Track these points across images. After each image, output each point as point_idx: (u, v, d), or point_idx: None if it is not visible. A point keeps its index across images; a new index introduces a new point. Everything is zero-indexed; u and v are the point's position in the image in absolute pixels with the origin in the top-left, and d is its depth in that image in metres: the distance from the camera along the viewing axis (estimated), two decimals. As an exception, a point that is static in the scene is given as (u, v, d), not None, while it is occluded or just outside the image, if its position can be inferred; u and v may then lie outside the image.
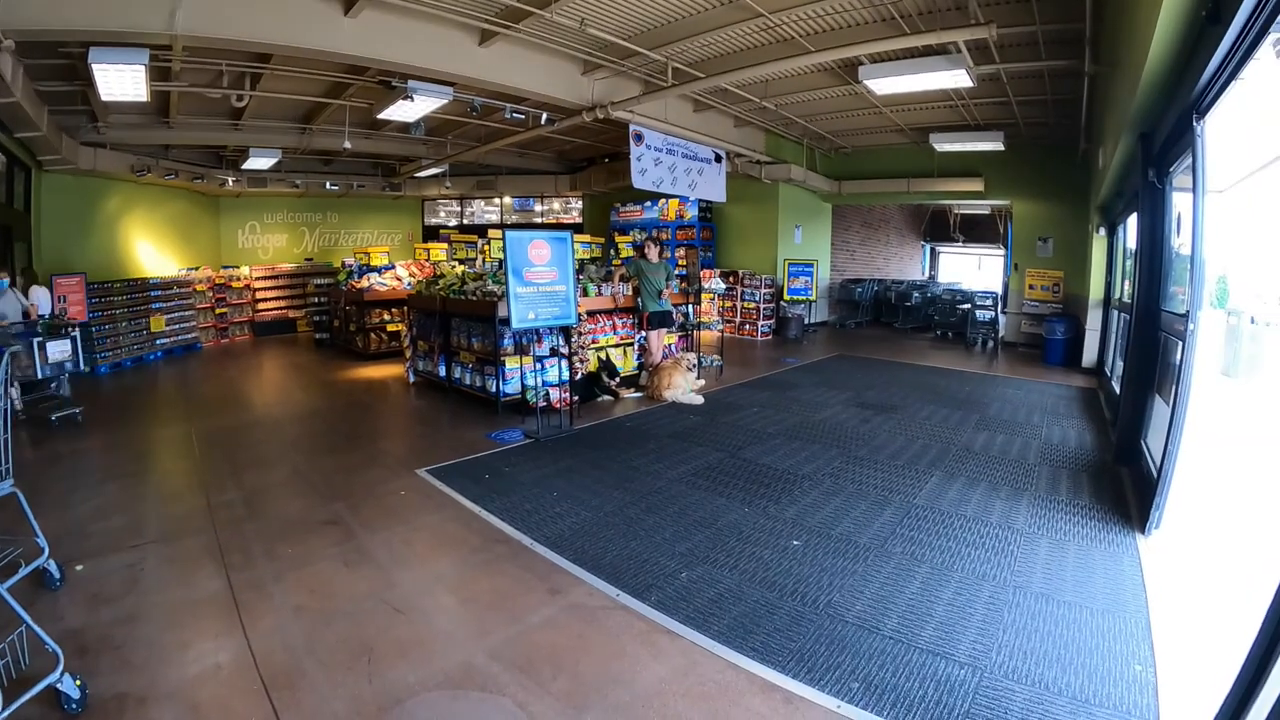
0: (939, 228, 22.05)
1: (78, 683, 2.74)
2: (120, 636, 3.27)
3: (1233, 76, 3.49)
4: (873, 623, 3.42)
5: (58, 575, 3.76)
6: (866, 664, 3.07)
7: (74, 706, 2.71)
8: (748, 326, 15.04)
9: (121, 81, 7.47)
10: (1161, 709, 2.75)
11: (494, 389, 7.83)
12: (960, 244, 21.92)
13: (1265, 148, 5.61)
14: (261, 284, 15.90)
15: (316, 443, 6.78)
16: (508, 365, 7.80)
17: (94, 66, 6.93)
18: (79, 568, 3.98)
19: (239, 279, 15.33)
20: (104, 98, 8.09)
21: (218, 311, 14.66)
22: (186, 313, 13.22)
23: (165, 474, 6.07)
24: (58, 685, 2.68)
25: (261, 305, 15.88)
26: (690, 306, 10.43)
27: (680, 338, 10.24)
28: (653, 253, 9.14)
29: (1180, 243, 5.54)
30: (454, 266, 12.97)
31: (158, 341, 12.23)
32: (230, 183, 14.42)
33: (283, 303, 16.23)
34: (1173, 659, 3.08)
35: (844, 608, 3.57)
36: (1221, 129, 4.30)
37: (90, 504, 5.07)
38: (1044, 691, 2.86)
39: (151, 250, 13.80)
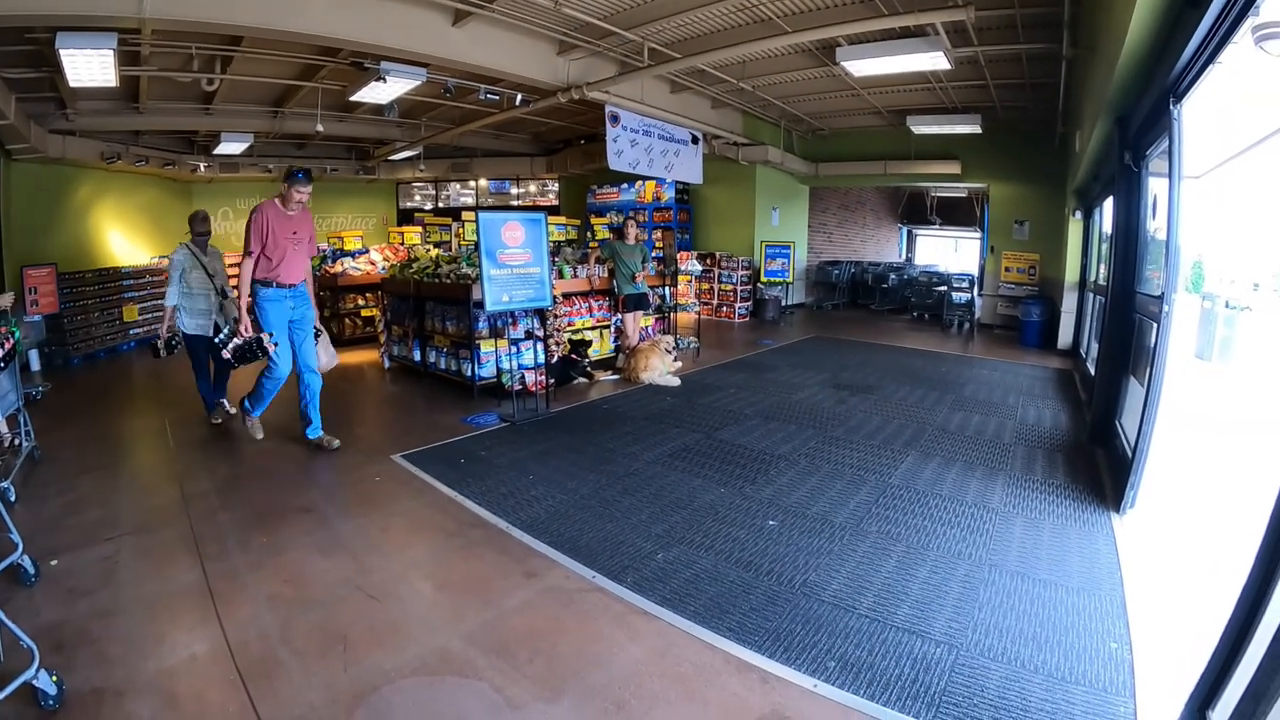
0: (916, 210, 22.10)
1: (54, 678, 2.70)
2: (97, 630, 3.23)
3: (1210, 60, 3.49)
4: (849, 602, 3.44)
5: (32, 570, 3.69)
6: (843, 643, 3.09)
7: (51, 703, 2.66)
8: (725, 308, 15.05)
9: (90, 67, 7.30)
10: (1138, 686, 2.78)
11: (469, 373, 7.78)
12: (937, 226, 22.00)
13: (1240, 134, 5.66)
14: (235, 271, 15.53)
15: (290, 429, 6.71)
16: (483, 349, 7.75)
17: (61, 52, 6.77)
18: (53, 562, 3.91)
19: (212, 266, 15.06)
20: (72, 84, 7.91)
21: (191, 299, 14.41)
22: (160, 301, 13.00)
23: (139, 465, 5.99)
24: (34, 682, 2.63)
25: (235, 292, 15.58)
26: (667, 289, 10.42)
27: (657, 320, 10.24)
28: (631, 234, 9.10)
29: (1156, 227, 5.58)
30: (428, 250, 12.88)
31: (131, 331, 11.98)
32: (202, 168, 14.18)
33: (257, 289, 15.98)
34: (1148, 637, 3.12)
35: (820, 587, 3.59)
36: (1198, 115, 4.33)
37: (64, 497, 4.98)
38: (1020, 669, 2.89)
39: (123, 239, 13.54)
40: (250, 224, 5.67)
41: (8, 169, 10.51)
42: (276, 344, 5.74)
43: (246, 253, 5.78)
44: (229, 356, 5.62)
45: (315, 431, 6.12)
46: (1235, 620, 2.12)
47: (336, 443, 6.05)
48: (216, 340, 5.78)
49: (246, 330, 5.75)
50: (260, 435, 6.33)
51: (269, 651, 3.06)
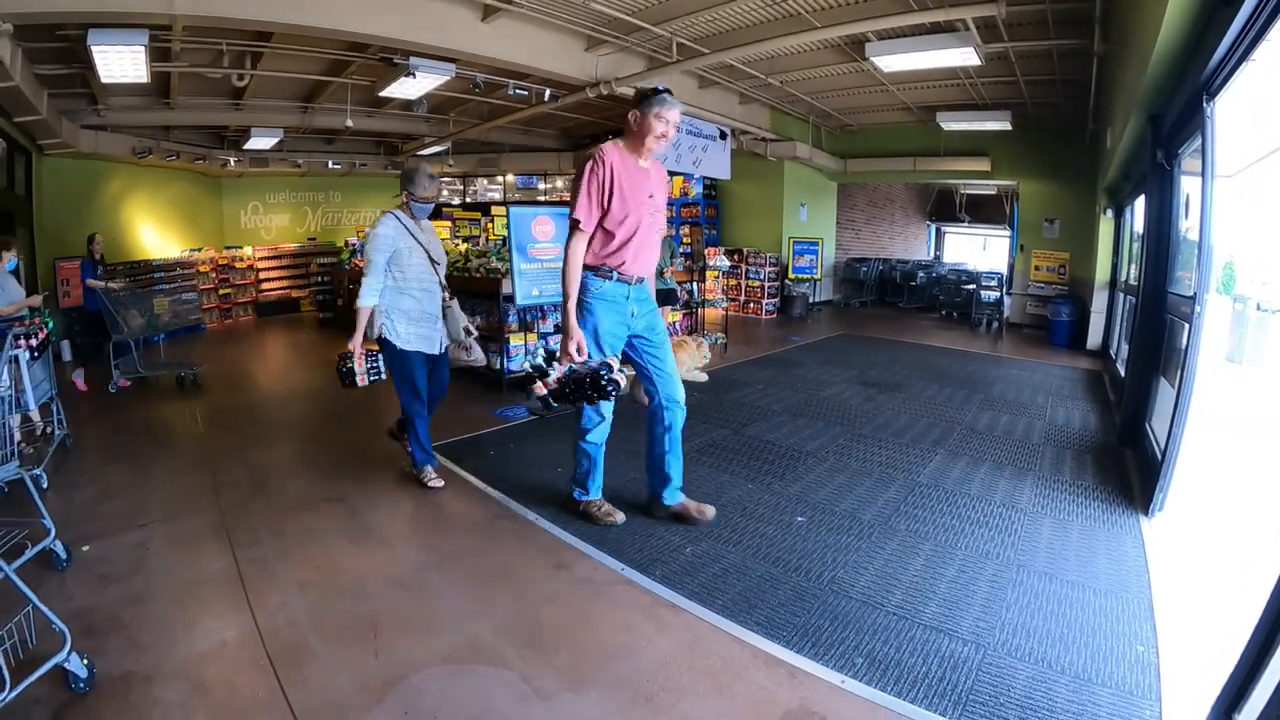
0: (945, 208, 21.89)
1: (85, 662, 2.74)
2: (127, 616, 3.28)
3: (1244, 58, 3.45)
4: (877, 599, 3.43)
5: (64, 556, 3.76)
6: (870, 640, 3.08)
7: (81, 685, 2.71)
8: (752, 305, 15.02)
9: (121, 63, 7.42)
10: (1164, 689, 2.75)
11: (498, 366, 7.82)
12: (966, 224, 21.78)
13: (1275, 132, 5.57)
14: (264, 264, 15.85)
15: (321, 420, 6.78)
16: (512, 342, 7.78)
17: (93, 48, 6.88)
18: (85, 548, 3.98)
19: (242, 259, 15.28)
20: (104, 80, 8.05)
21: (221, 292, 14.64)
22: (189, 294, 13.19)
23: (171, 454, 6.06)
24: (65, 665, 2.68)
25: (265, 285, 15.84)
26: (694, 284, 10.41)
27: (684, 316, 10.23)
28: None
29: (1188, 226, 5.50)
30: (457, 244, 12.94)
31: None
32: (232, 163, 14.33)
33: (286, 282, 16.21)
34: (1175, 640, 3.08)
35: (848, 584, 3.58)
36: (1232, 113, 4.26)
37: (96, 485, 5.09)
38: (1046, 670, 2.87)
39: (154, 232, 13.78)
40: (584, 177, 3.74)
41: (39, 164, 10.70)
42: (624, 375, 3.79)
43: (575, 223, 3.74)
44: (545, 394, 4.01)
45: (675, 496, 4.27)
46: (1263, 624, 2.10)
47: (711, 510, 4.29)
48: (528, 367, 3.85)
49: (581, 352, 3.73)
50: (621, 519, 4.27)
51: (299, 638, 3.09)
